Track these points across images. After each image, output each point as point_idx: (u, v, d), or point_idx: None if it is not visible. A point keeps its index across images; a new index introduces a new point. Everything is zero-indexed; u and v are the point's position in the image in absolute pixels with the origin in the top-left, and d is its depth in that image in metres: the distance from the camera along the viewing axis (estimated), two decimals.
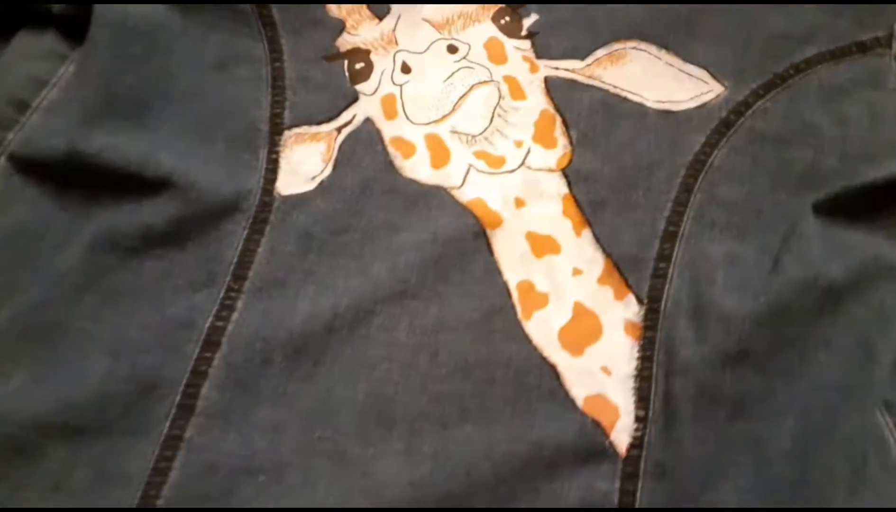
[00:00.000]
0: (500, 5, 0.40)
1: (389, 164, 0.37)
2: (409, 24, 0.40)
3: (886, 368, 0.33)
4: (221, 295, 0.33)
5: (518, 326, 0.34)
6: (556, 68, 0.39)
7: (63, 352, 0.32)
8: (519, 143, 0.38)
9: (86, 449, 0.31)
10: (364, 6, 0.40)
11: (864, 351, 0.33)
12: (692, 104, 0.38)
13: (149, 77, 0.36)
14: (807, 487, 0.31)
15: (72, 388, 0.31)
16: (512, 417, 0.32)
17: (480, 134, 0.38)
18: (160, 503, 0.30)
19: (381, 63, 0.39)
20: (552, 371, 0.33)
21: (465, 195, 0.36)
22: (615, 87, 0.39)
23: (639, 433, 0.32)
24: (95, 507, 0.30)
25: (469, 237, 0.35)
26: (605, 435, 0.32)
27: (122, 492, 0.30)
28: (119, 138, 0.34)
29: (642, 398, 0.32)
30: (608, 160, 0.37)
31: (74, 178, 0.35)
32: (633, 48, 0.40)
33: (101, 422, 0.31)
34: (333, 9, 0.40)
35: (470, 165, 0.37)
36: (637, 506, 0.31)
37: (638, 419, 0.32)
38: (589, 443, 0.32)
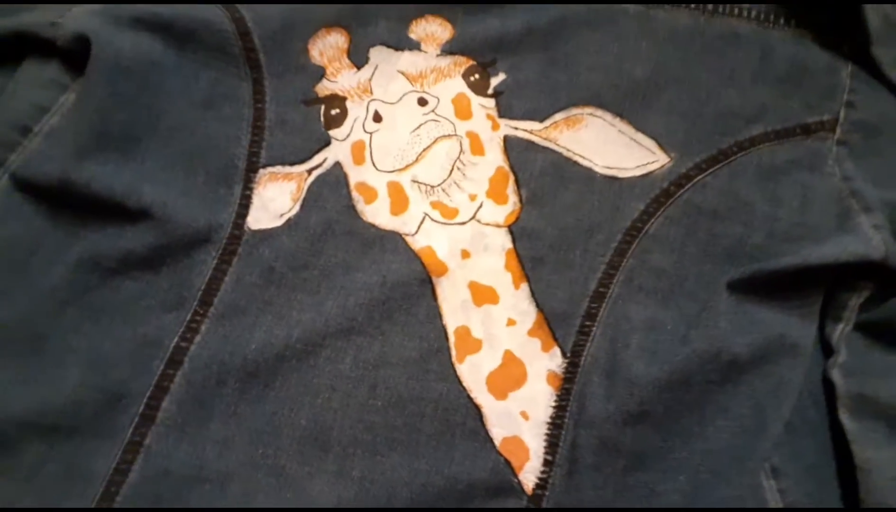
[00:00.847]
0: (471, 61, 0.44)
1: (352, 208, 0.40)
2: (385, 75, 0.43)
3: (774, 437, 0.36)
4: (188, 318, 0.37)
5: (451, 367, 0.38)
6: (516, 128, 0.42)
7: (44, 359, 0.36)
8: (473, 197, 0.41)
9: (58, 447, 0.35)
10: (344, 55, 0.43)
11: (758, 420, 0.37)
12: (637, 172, 0.41)
13: (140, 113, 0.40)
14: None
15: (50, 392, 0.36)
16: (435, 450, 0.36)
17: (439, 185, 0.41)
18: (119, 500, 0.34)
19: (356, 110, 0.42)
20: (477, 412, 0.37)
21: (417, 242, 0.40)
22: (568, 150, 0.42)
23: (544, 476, 0.36)
24: (74, 507, 0.34)
25: (416, 283, 0.39)
26: (515, 474, 0.36)
27: (86, 487, 0.35)
28: (107, 170, 0.38)
29: (552, 444, 0.36)
30: (552, 220, 0.40)
31: (66, 201, 0.39)
32: (590, 114, 0.43)
33: (73, 424, 0.35)
34: (315, 55, 0.43)
35: (426, 214, 0.41)
36: None
37: (546, 463, 0.36)
38: (499, 480, 0.36)
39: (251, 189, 0.40)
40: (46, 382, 0.36)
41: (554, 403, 0.37)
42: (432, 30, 0.44)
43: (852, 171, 0.41)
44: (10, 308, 0.37)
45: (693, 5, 0.45)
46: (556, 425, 0.37)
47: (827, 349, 0.40)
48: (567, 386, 0.37)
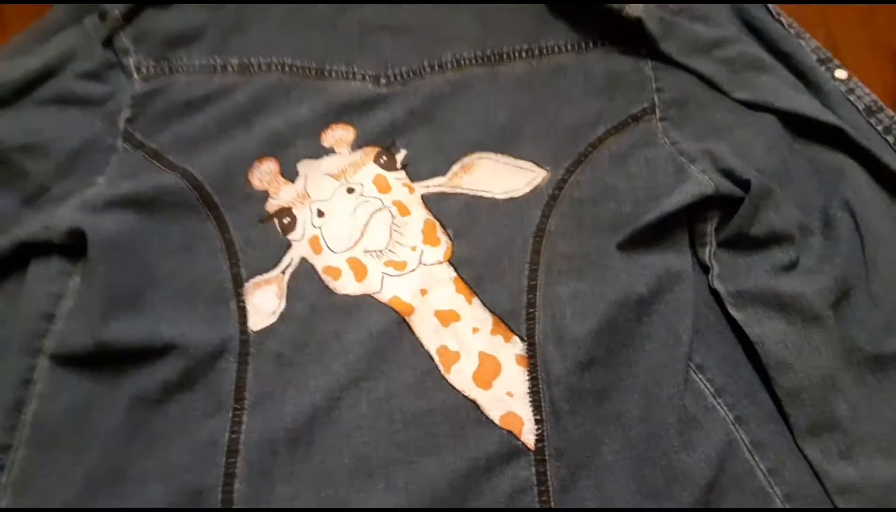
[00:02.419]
0: (377, 148, 0.55)
1: (326, 288, 0.50)
2: (315, 180, 0.54)
3: (689, 343, 0.48)
4: (230, 416, 0.46)
5: (443, 379, 0.48)
6: (427, 187, 0.54)
7: (128, 486, 0.44)
8: (413, 248, 0.52)
9: None
10: (279, 176, 0.54)
11: (674, 335, 0.48)
12: (527, 189, 0.54)
13: (137, 273, 0.49)
14: (654, 438, 0.46)
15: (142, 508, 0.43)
16: (454, 444, 0.46)
17: (385, 248, 0.52)
18: None
19: (302, 214, 0.53)
20: (474, 405, 0.47)
21: (384, 296, 0.50)
22: (472, 189, 0.54)
23: (539, 432, 0.46)
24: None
25: (394, 326, 0.49)
26: (518, 439, 0.46)
27: None
28: (129, 324, 0.47)
29: (536, 407, 0.47)
30: (478, 246, 0.52)
31: (100, 360, 0.47)
32: (478, 158, 0.55)
33: None
34: (256, 183, 0.53)
35: (383, 273, 0.51)
36: (549, 481, 0.45)
37: (536, 422, 0.47)
38: (509, 447, 0.46)
39: (243, 301, 0.50)
40: (137, 503, 0.44)
41: (527, 377, 0.48)
42: (339, 135, 0.55)
43: (677, 137, 0.55)
44: (89, 457, 0.45)
45: (525, 54, 0.58)
46: (534, 392, 0.47)
47: (705, 268, 0.52)
48: (532, 361, 0.48)
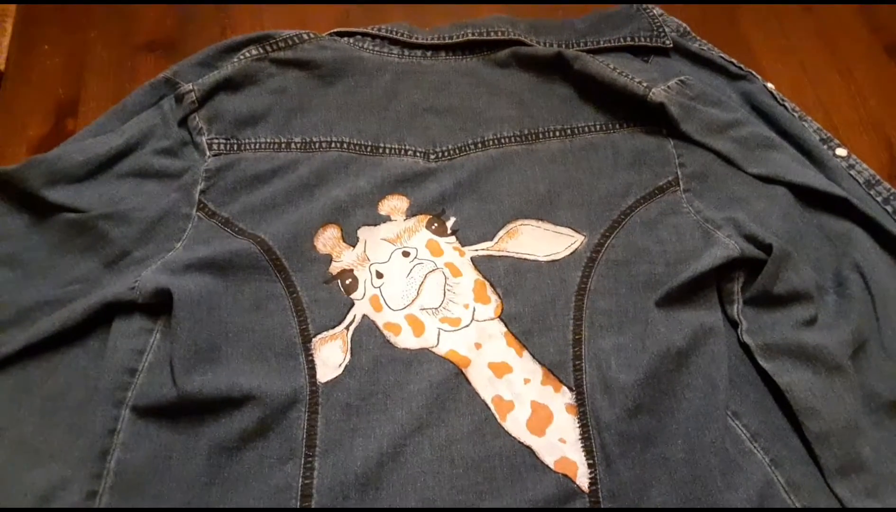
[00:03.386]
0: (429, 216, 0.60)
1: (387, 342, 0.54)
2: (373, 245, 0.59)
3: (725, 391, 0.52)
4: (303, 462, 0.49)
5: (500, 427, 0.51)
6: (476, 250, 0.59)
7: None
8: (466, 306, 0.56)
9: None
10: (341, 241, 0.59)
11: (711, 384, 0.52)
12: (567, 252, 0.59)
13: (214, 329, 0.53)
14: (699, 480, 0.49)
15: None
16: (513, 487, 0.49)
17: (440, 306, 0.56)
18: None
19: (363, 275, 0.57)
20: (530, 451, 0.51)
21: (441, 350, 0.54)
22: (517, 253, 0.59)
23: (592, 475, 0.50)
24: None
25: (452, 377, 0.53)
26: (573, 482, 0.49)
27: None
28: (209, 376, 0.50)
29: (588, 452, 0.50)
30: (526, 303, 0.56)
31: (181, 411, 0.50)
32: (521, 224, 0.60)
33: None
34: (320, 247, 0.58)
35: (439, 329, 0.55)
36: None
37: (590, 466, 0.50)
38: (565, 490, 0.49)
39: (311, 355, 0.53)
40: None
41: (578, 424, 0.51)
42: (395, 204, 0.60)
43: (701, 206, 0.60)
44: (169, 503, 0.47)
45: (559, 133, 0.64)
46: (585, 438, 0.51)
47: (734, 323, 0.57)
48: (582, 409, 0.52)
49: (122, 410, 0.51)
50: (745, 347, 0.56)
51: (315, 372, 0.53)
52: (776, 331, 0.55)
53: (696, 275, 0.56)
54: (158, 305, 0.54)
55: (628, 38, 0.69)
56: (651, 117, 0.64)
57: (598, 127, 0.65)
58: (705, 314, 0.56)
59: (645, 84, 0.64)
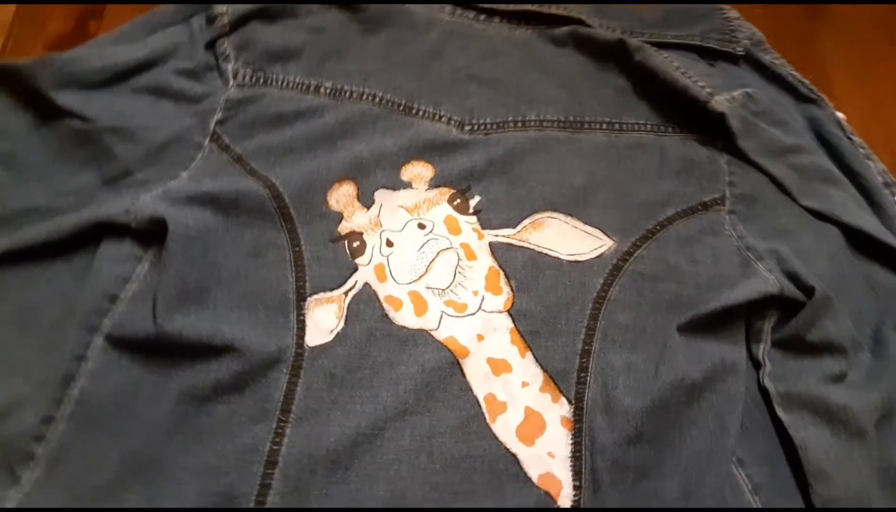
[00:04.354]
0: (452, 190, 0.56)
1: (385, 316, 0.51)
2: (389, 210, 0.55)
3: (734, 436, 0.48)
4: (274, 426, 0.46)
5: (488, 427, 0.48)
6: (496, 236, 0.55)
7: (165, 480, 0.44)
8: (476, 293, 0.53)
9: None
10: (355, 200, 0.55)
11: (720, 425, 0.48)
12: (593, 255, 0.54)
13: (206, 270, 0.50)
14: None
15: (174, 504, 0.43)
16: (490, 495, 0.46)
17: (447, 288, 0.52)
18: None
19: (371, 241, 0.54)
20: (514, 459, 0.47)
21: (441, 335, 0.51)
22: (539, 246, 0.55)
23: (577, 498, 0.46)
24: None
25: (447, 366, 0.49)
26: (554, 501, 0.46)
27: None
28: (192, 319, 0.47)
29: (577, 473, 0.47)
30: (539, 301, 0.52)
31: (157, 349, 0.47)
32: (549, 217, 0.56)
33: None
34: (333, 204, 0.54)
35: (443, 312, 0.52)
36: None
37: (575, 488, 0.46)
38: (544, 509, 0.45)
39: (304, 315, 0.50)
40: (171, 498, 0.43)
41: (571, 441, 0.48)
42: (418, 171, 0.56)
43: (744, 231, 0.56)
44: (128, 443, 0.45)
45: (606, 126, 0.60)
46: (576, 457, 0.47)
47: (756, 364, 0.53)
48: (578, 425, 0.48)
49: (95, 337, 0.48)
50: (764, 391, 0.51)
51: (304, 334, 0.49)
52: (801, 380, 0.51)
53: (726, 305, 0.51)
54: (151, 234, 0.50)
55: (697, 38, 0.64)
56: (707, 127, 0.59)
57: (649, 127, 0.60)
58: (728, 349, 0.51)
59: (708, 89, 0.59)
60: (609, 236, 0.55)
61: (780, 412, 0.50)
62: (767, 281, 0.52)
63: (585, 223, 0.56)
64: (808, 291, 0.52)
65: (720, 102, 0.58)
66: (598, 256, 0.54)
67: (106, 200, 0.52)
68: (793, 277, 0.53)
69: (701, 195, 0.57)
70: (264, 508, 0.43)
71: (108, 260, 0.50)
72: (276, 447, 0.45)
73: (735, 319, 0.53)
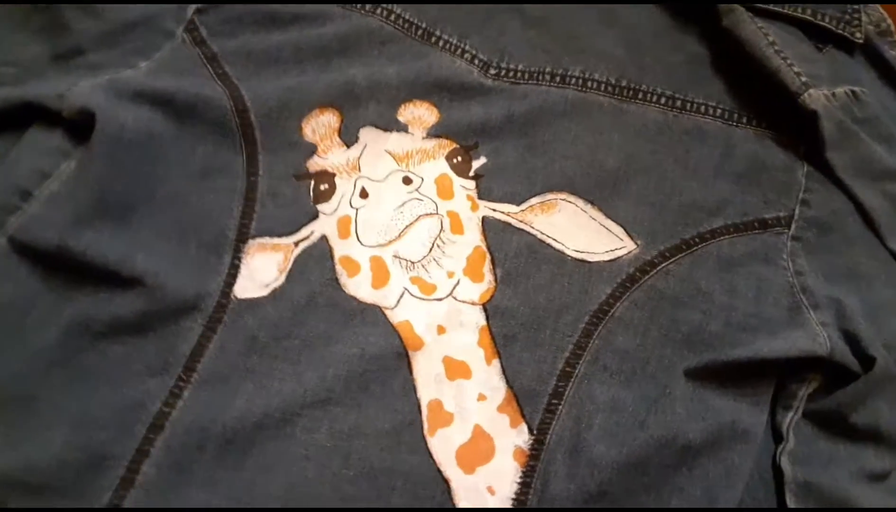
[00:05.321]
0: (455, 144, 0.46)
1: (335, 281, 0.42)
2: (373, 154, 0.46)
3: None
4: (172, 384, 0.39)
5: (423, 440, 0.39)
6: (494, 210, 0.45)
7: (32, 419, 0.38)
8: (451, 274, 0.43)
9: (43, 505, 0.36)
10: (336, 134, 0.46)
11: (710, 502, 0.39)
12: (606, 257, 0.44)
13: (137, 183, 0.42)
14: None
15: (36, 451, 0.37)
16: None
17: (419, 261, 0.43)
18: None
19: (343, 186, 0.45)
20: (445, 486, 0.39)
21: (396, 316, 0.42)
22: (542, 233, 0.44)
23: None
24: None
25: (393, 356, 0.41)
26: None
27: None
28: (103, 238, 0.40)
29: None
30: (525, 300, 0.43)
31: (61, 265, 0.40)
32: (564, 199, 0.45)
33: (58, 484, 0.37)
34: (308, 133, 0.45)
35: (405, 289, 0.43)
36: None
37: None
38: None
39: (240, 259, 0.42)
40: (34, 442, 0.37)
41: (519, 480, 0.39)
42: (419, 113, 0.46)
43: (804, 267, 0.44)
44: (2, 368, 0.38)
45: (665, 101, 0.48)
46: (519, 501, 0.38)
47: (776, 435, 0.42)
48: (532, 463, 0.39)
49: None
50: (778, 471, 0.41)
51: (234, 282, 0.41)
52: (829, 470, 0.40)
53: (758, 356, 0.41)
54: (89, 129, 0.43)
55: (808, 12, 0.50)
56: (792, 125, 0.47)
57: (718, 111, 0.48)
58: (746, 411, 0.41)
59: (805, 78, 0.46)
60: (633, 238, 0.44)
61: (790, 502, 0.40)
62: (817, 338, 0.41)
63: (607, 216, 0.45)
64: (868, 361, 0.41)
65: (815, 97, 0.45)
66: (612, 260, 0.44)
67: (50, 78, 0.44)
68: (851, 339, 0.42)
69: (763, 210, 0.46)
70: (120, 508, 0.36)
71: (29, 149, 0.43)
72: (166, 409, 0.38)
73: (764, 377, 0.42)
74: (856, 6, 0.51)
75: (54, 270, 0.40)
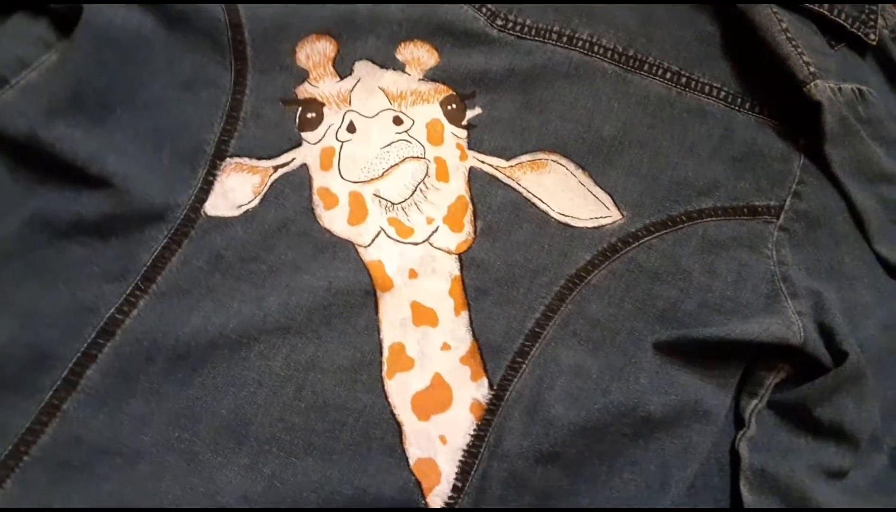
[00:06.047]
0: (451, 91, 0.45)
1: (310, 211, 0.41)
2: (366, 89, 0.44)
3: (675, 496, 0.38)
4: (128, 291, 0.37)
5: (380, 381, 0.39)
6: (483, 162, 0.44)
7: None
8: (430, 220, 0.42)
9: None
10: (330, 63, 0.44)
11: (663, 477, 0.38)
12: (590, 224, 0.43)
13: (118, 82, 0.40)
14: None
15: None
16: (350, 461, 0.37)
17: (399, 203, 0.42)
18: (26, 459, 0.34)
19: (331, 117, 0.43)
20: (397, 429, 0.38)
21: (368, 255, 0.41)
22: (528, 191, 0.43)
23: (451, 501, 0.37)
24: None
25: (360, 293, 0.40)
26: (423, 496, 0.37)
27: None
28: (75, 133, 0.38)
29: (464, 472, 0.37)
30: (502, 255, 0.42)
31: (29, 156, 0.39)
32: (554, 161, 0.44)
33: None
34: (301, 58, 0.44)
35: (381, 229, 0.41)
36: None
37: (454, 489, 0.37)
38: (406, 499, 0.36)
39: (214, 175, 0.41)
40: None
41: (473, 432, 0.38)
42: (419, 54, 0.45)
43: (788, 258, 0.43)
44: None
45: (670, 76, 0.47)
46: (471, 454, 0.38)
47: (738, 420, 0.41)
48: (488, 417, 0.38)
49: None
50: (735, 456, 0.40)
51: (205, 198, 0.40)
52: (786, 461, 0.40)
53: (729, 338, 0.40)
54: (74, 22, 0.41)
55: (825, 7, 0.49)
56: (794, 115, 0.46)
57: (722, 93, 0.47)
58: (710, 391, 0.40)
59: (812, 68, 0.45)
60: (619, 208, 0.43)
61: (743, 489, 0.39)
62: (791, 326, 0.40)
63: (596, 183, 0.44)
64: (840, 355, 0.40)
65: (821, 89, 0.44)
66: (596, 227, 0.43)
67: None
68: (826, 332, 0.41)
69: (754, 196, 0.45)
70: None
71: (11, 35, 0.41)
72: (119, 317, 0.37)
73: (732, 358, 0.41)
74: (873, 7, 0.50)
75: (22, 161, 0.39)
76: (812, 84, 0.44)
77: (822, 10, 0.49)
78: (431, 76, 0.45)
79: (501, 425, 0.38)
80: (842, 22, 0.49)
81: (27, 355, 0.36)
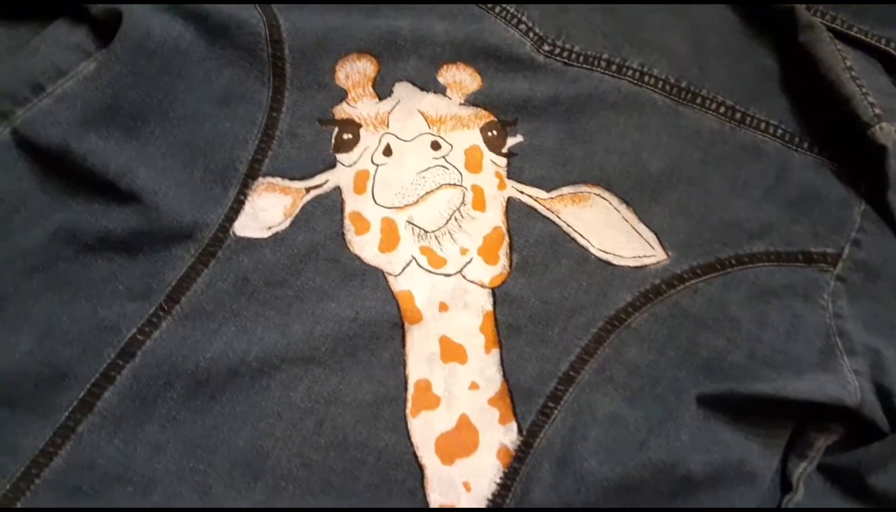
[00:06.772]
0: (492, 117, 0.43)
1: (341, 236, 0.40)
2: (405, 112, 0.43)
3: None
4: (151, 311, 0.36)
5: (403, 419, 0.37)
6: (522, 192, 0.42)
7: (1, 316, 0.35)
8: (464, 251, 0.40)
9: None
10: (369, 84, 0.43)
11: None
12: (632, 263, 0.41)
13: (154, 95, 0.39)
14: None
15: None
16: (368, 503, 0.35)
17: (433, 231, 0.40)
18: (38, 483, 0.33)
19: (368, 140, 0.42)
20: (419, 472, 0.36)
21: (398, 284, 0.39)
22: (568, 225, 0.41)
23: None
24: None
25: (387, 325, 0.38)
26: None
27: (9, 462, 0.33)
28: (107, 146, 0.38)
29: None
30: (538, 292, 0.40)
31: (60, 167, 0.38)
32: (597, 195, 0.42)
33: (12, 394, 0.34)
34: (341, 77, 0.43)
35: (413, 258, 0.40)
36: None
37: None
38: None
39: (246, 195, 0.39)
40: None
41: (499, 480, 0.36)
42: (461, 78, 0.44)
43: (845, 310, 0.41)
44: None
45: (724, 111, 0.45)
46: (496, 503, 0.36)
47: (784, 483, 0.39)
48: (516, 465, 0.36)
49: (2, 125, 0.39)
50: None
51: (235, 218, 0.39)
52: None
53: (780, 395, 0.37)
54: (113, 32, 0.40)
55: (893, 45, 0.46)
56: (856, 158, 0.43)
57: (780, 131, 0.44)
58: (756, 452, 0.38)
59: (878, 110, 0.42)
60: (664, 248, 0.41)
61: None
62: (847, 386, 0.38)
63: (641, 220, 0.42)
64: None
65: (887, 132, 0.42)
66: (638, 267, 0.41)
67: None
68: (884, 394, 0.38)
69: (810, 242, 0.42)
70: None
71: (50, 42, 0.40)
72: (140, 337, 0.36)
73: (781, 417, 0.39)
74: None
75: (53, 171, 0.38)
76: (877, 127, 0.42)
77: (889, 48, 0.46)
78: (473, 101, 0.43)
79: (530, 475, 0.36)
80: None
81: (44, 373, 0.35)
